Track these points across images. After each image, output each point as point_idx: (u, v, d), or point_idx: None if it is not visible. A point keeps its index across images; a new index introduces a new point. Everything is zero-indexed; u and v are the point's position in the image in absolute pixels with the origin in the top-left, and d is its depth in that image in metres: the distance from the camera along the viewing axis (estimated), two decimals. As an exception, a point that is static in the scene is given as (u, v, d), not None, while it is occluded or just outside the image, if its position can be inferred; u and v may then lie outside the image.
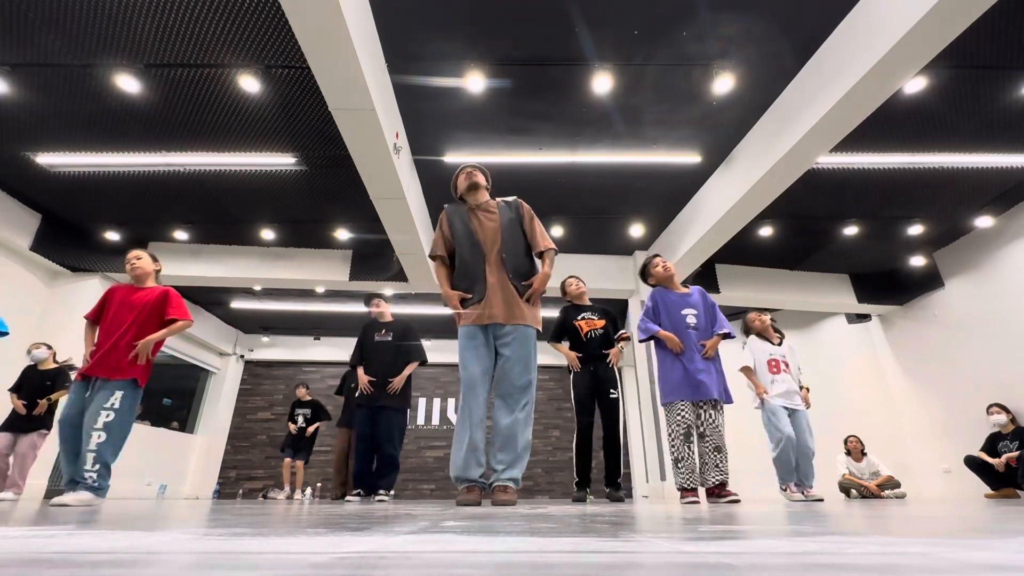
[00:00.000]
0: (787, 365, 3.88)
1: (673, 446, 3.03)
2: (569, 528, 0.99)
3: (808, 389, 3.94)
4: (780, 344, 3.96)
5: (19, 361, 4.90)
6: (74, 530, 0.94)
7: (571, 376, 3.76)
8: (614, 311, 3.97)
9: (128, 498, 5.97)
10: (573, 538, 0.78)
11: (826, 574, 0.45)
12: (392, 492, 4.10)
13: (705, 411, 3.05)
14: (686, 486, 2.99)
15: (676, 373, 3.10)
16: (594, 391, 3.69)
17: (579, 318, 3.81)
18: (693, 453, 3.03)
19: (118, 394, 2.67)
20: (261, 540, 0.74)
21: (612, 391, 3.69)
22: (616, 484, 3.68)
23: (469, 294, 2.54)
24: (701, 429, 3.03)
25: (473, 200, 2.68)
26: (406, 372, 4.20)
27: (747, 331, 4.10)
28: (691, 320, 3.17)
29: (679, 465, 3.01)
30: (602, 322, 3.80)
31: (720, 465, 2.99)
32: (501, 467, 2.38)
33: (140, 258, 3.00)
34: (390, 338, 4.25)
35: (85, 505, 2.43)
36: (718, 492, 2.98)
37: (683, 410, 3.05)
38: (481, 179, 2.70)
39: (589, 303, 3.95)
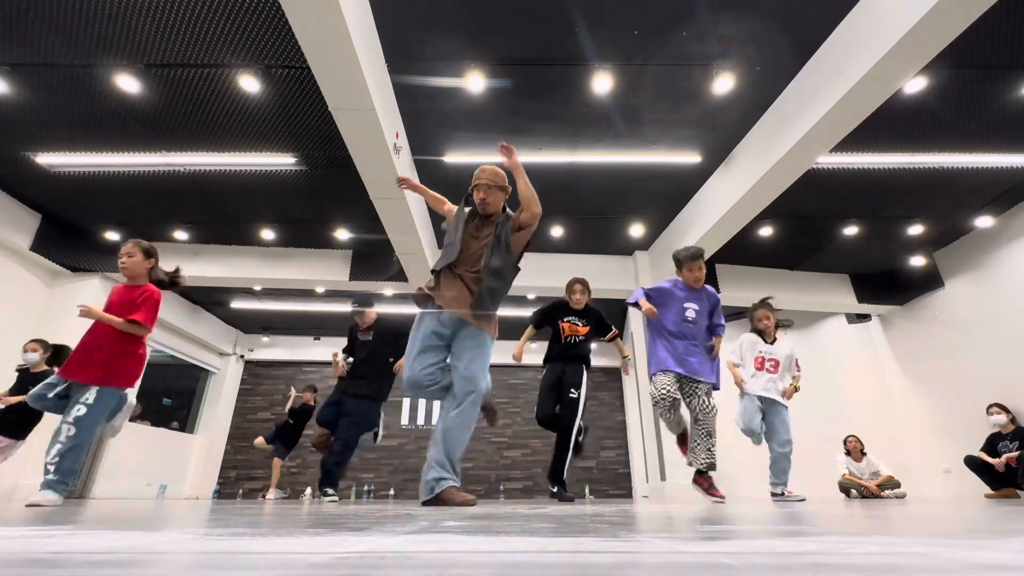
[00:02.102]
0: (775, 365, 3.88)
1: (658, 411, 3.20)
2: (569, 528, 0.99)
3: (797, 389, 3.93)
4: (773, 344, 3.96)
5: (13, 362, 4.84)
6: (74, 530, 0.94)
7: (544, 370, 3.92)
8: (604, 313, 4.02)
9: (128, 498, 5.98)
10: (573, 538, 0.78)
11: (826, 574, 0.45)
12: (336, 491, 4.02)
13: (698, 397, 3.12)
14: (678, 434, 3.17)
15: (663, 350, 3.27)
16: (558, 389, 3.77)
17: (565, 319, 3.89)
18: (681, 418, 3.22)
19: (92, 391, 2.69)
20: (261, 540, 0.74)
21: (572, 391, 3.76)
22: (561, 482, 3.67)
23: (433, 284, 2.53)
24: (695, 414, 3.14)
25: (481, 218, 2.64)
26: (398, 366, 4.19)
27: (752, 323, 4.07)
28: (690, 315, 3.31)
29: (667, 421, 3.20)
30: (586, 329, 3.89)
31: (711, 449, 3.12)
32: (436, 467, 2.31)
33: (132, 255, 2.88)
34: (370, 337, 4.31)
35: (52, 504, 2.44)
36: (707, 484, 3.05)
37: (667, 384, 3.13)
38: (497, 206, 2.61)
39: (582, 307, 3.98)
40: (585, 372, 3.83)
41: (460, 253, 2.51)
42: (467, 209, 2.66)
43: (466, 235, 2.56)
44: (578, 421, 3.67)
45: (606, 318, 3.99)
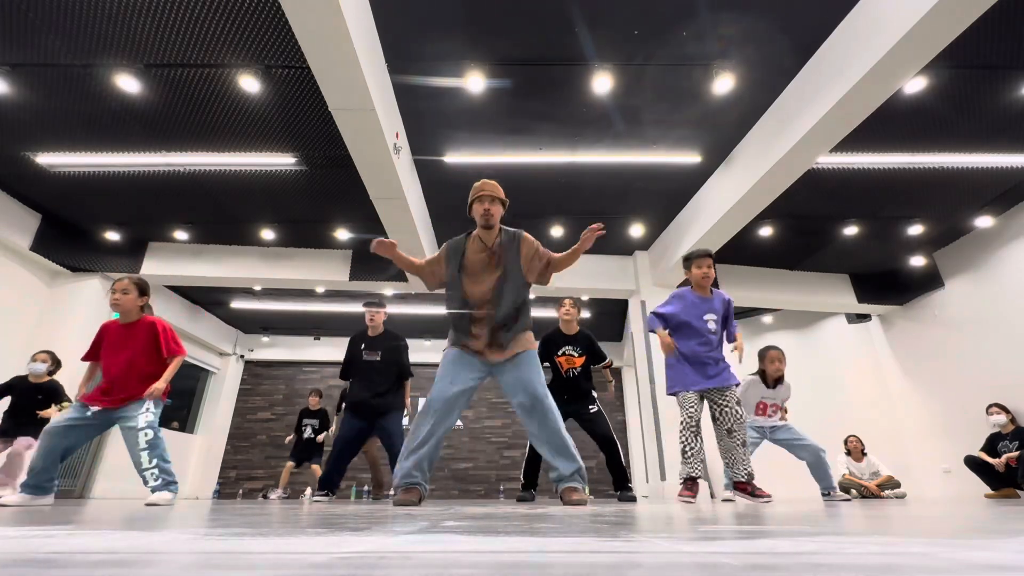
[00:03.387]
0: (775, 409, 3.92)
1: (683, 437, 3.08)
2: (569, 528, 0.99)
3: (786, 410, 4.02)
4: (775, 388, 3.91)
5: (13, 362, 4.82)
6: (74, 530, 0.94)
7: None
8: (595, 340, 4.02)
9: (128, 498, 5.98)
10: (573, 538, 0.78)
11: (826, 574, 0.45)
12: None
13: (728, 407, 3.04)
14: (693, 475, 3.02)
15: (685, 365, 3.17)
16: (568, 412, 3.74)
17: (560, 353, 3.89)
18: (702, 444, 3.11)
19: (147, 404, 2.80)
20: (261, 540, 0.74)
21: (591, 407, 3.82)
22: (626, 487, 3.80)
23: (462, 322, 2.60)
24: (728, 425, 3.03)
25: (483, 235, 2.64)
26: (407, 393, 4.31)
27: (761, 370, 3.94)
28: (711, 326, 3.22)
29: (687, 455, 3.04)
30: (581, 359, 3.88)
31: (747, 458, 3.03)
32: (563, 471, 2.49)
33: (127, 292, 2.82)
34: (377, 358, 4.21)
35: (167, 504, 2.70)
36: (750, 489, 2.99)
37: (694, 404, 3.09)
38: (497, 217, 2.62)
39: (575, 331, 3.97)
40: (593, 398, 3.88)
41: (467, 287, 2.59)
42: (459, 238, 2.71)
43: (468, 259, 2.61)
44: (611, 425, 3.80)
45: (598, 344, 3.98)
